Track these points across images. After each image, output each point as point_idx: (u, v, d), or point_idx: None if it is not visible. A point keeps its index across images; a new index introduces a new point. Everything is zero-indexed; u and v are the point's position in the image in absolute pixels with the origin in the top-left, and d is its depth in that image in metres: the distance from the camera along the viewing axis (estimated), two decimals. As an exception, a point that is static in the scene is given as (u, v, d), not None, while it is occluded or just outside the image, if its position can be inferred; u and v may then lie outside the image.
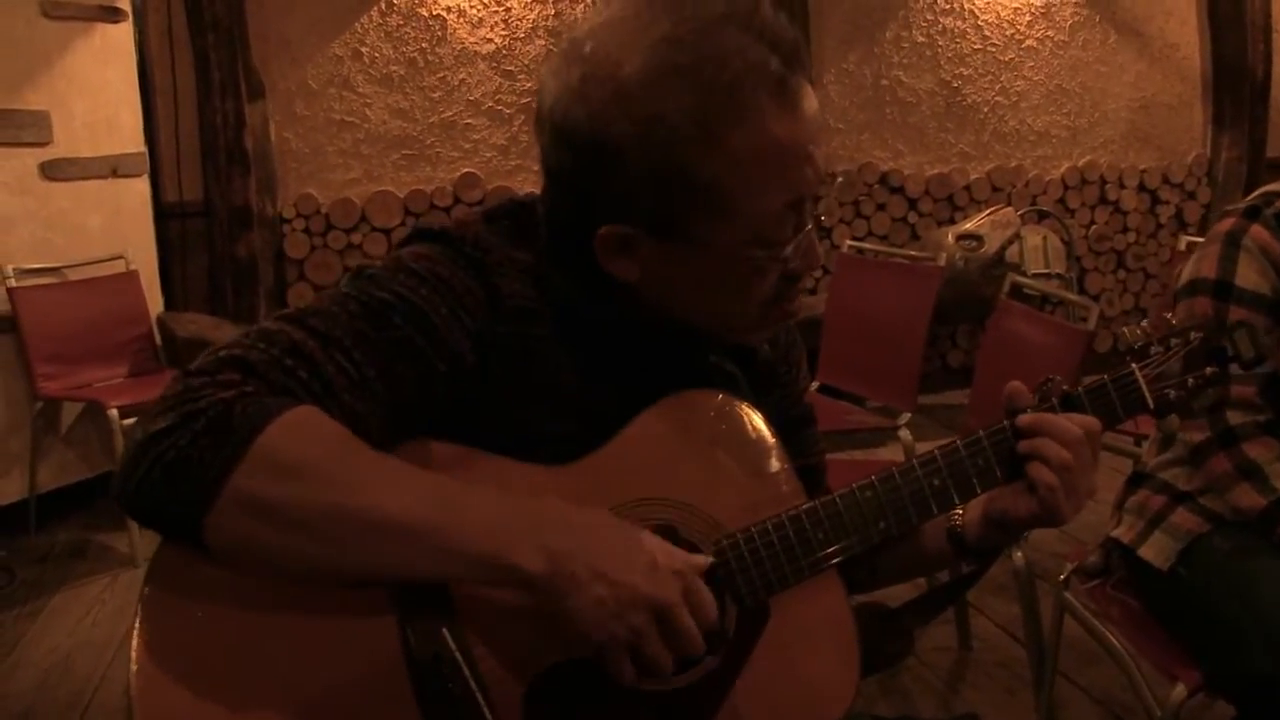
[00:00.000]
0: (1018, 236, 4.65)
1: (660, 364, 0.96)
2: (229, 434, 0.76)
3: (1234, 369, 1.00)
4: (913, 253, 3.18)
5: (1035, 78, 5.06)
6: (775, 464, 0.95)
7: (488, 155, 4.52)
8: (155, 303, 3.92)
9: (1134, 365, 0.99)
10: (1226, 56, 5.20)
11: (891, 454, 3.54)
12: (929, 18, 4.89)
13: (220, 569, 0.80)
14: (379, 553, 0.78)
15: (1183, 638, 1.55)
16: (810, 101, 0.87)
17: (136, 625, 0.80)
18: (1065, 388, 0.97)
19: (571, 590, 0.78)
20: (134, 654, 0.79)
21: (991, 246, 4.55)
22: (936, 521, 1.00)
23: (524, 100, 4.49)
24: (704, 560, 0.85)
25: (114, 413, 3.28)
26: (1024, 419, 0.95)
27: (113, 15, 3.73)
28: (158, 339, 3.82)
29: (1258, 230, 1.50)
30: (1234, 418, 1.48)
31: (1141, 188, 5.27)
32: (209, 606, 0.81)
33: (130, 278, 3.74)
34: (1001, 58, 5.00)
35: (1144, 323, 1.01)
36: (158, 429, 0.77)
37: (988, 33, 4.96)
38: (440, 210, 4.43)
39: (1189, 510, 1.56)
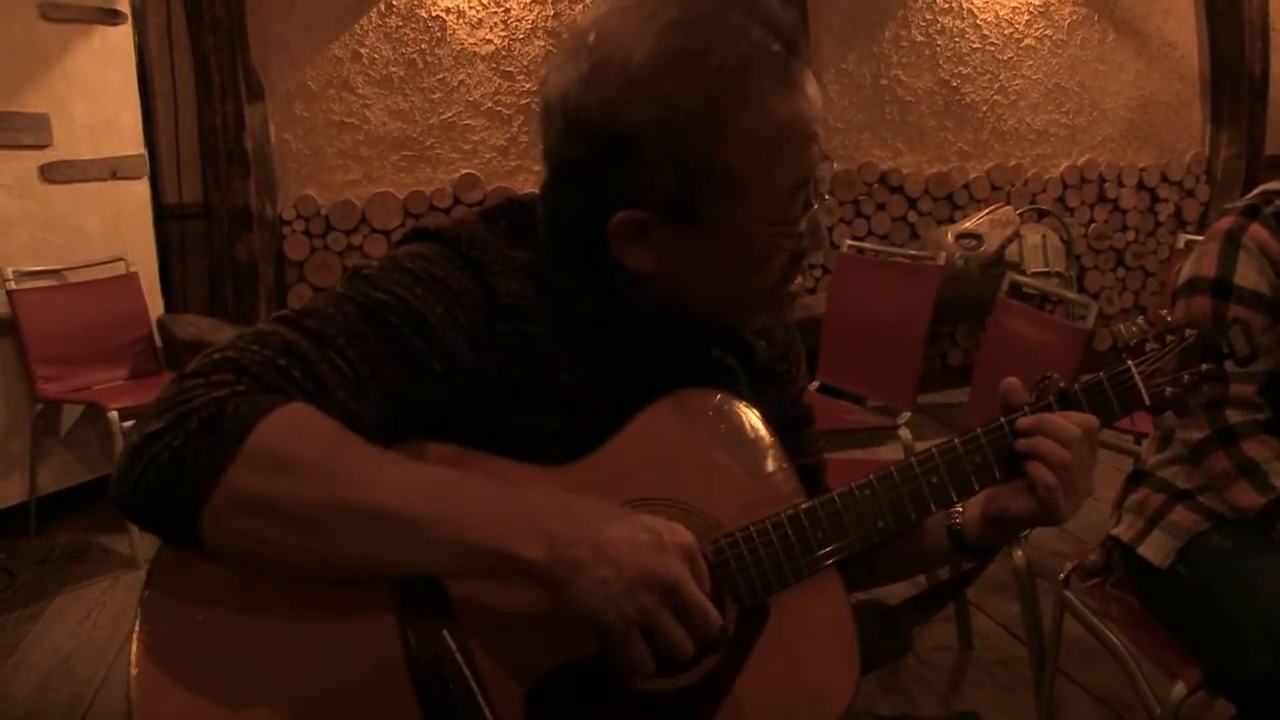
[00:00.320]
0: (1017, 235, 4.66)
1: (660, 360, 0.97)
2: (222, 432, 0.76)
3: (1230, 366, 1.01)
4: (912, 252, 3.18)
5: (1034, 77, 5.06)
6: (774, 463, 0.95)
7: (487, 156, 4.52)
8: (155, 305, 3.92)
9: (1130, 362, 0.99)
10: (1224, 55, 5.20)
11: (891, 453, 3.54)
12: (928, 17, 4.89)
13: (221, 571, 0.80)
14: (377, 546, 0.78)
15: (1182, 636, 1.55)
16: (811, 84, 0.89)
17: (137, 628, 0.80)
18: (1062, 385, 0.98)
19: (576, 575, 0.77)
20: (134, 656, 0.79)
21: (991, 245, 4.56)
22: (936, 519, 1.00)
23: (523, 101, 4.49)
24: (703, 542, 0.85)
25: (114, 415, 3.29)
26: (1023, 421, 0.95)
27: (112, 17, 3.72)
28: (158, 341, 3.82)
29: (1257, 229, 1.50)
30: (1233, 416, 1.48)
31: (1140, 186, 5.28)
32: (209, 609, 0.81)
33: (130, 280, 3.74)
34: (1000, 57, 5.00)
35: (1140, 320, 1.01)
36: (152, 431, 0.77)
37: (986, 32, 4.96)
38: (440, 211, 4.42)
39: (1188, 508, 1.56)
